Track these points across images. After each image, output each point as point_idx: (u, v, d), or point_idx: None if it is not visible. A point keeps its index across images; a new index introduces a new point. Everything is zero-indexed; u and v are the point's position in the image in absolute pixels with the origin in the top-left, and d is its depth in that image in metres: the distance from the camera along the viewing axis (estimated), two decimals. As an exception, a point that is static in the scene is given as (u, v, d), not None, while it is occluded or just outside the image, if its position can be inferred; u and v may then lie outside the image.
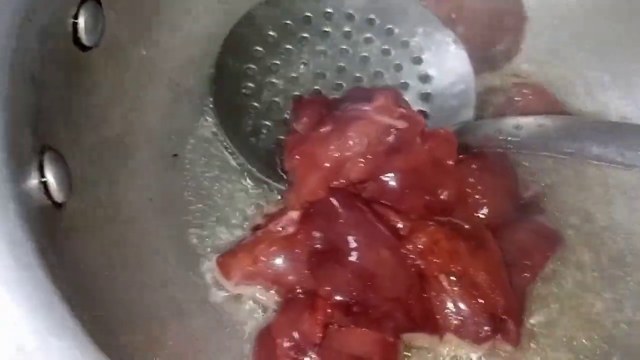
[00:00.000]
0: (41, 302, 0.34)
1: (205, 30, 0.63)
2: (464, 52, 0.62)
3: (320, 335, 0.47)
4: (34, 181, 0.40)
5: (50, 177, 0.41)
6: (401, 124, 0.52)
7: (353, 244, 0.51)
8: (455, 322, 0.51)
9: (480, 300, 0.50)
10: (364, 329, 0.49)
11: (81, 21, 0.47)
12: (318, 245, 0.51)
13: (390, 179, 0.53)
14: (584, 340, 0.53)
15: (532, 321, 0.54)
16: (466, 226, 0.53)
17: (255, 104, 0.60)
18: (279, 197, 0.57)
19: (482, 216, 0.54)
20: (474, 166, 0.55)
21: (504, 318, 0.51)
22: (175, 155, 0.58)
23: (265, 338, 0.50)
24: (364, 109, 0.53)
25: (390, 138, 0.52)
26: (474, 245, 0.51)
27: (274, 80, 0.61)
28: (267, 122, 0.59)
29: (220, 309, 0.53)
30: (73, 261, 0.42)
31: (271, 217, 0.54)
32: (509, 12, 0.65)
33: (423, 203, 0.54)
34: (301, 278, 0.51)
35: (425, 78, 0.62)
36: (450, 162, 0.54)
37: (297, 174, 0.53)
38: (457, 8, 0.64)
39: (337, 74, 0.62)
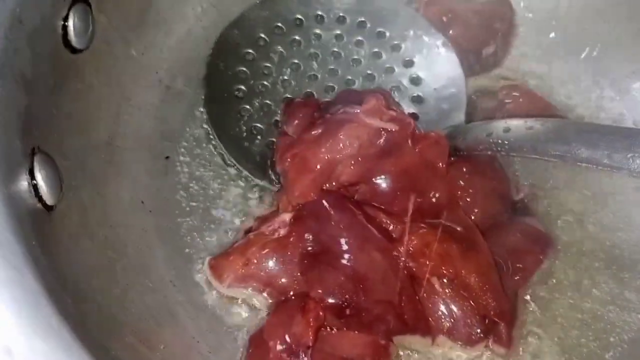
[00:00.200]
0: (28, 304, 0.33)
1: (197, 33, 0.63)
2: (455, 55, 0.63)
3: (312, 337, 0.47)
4: (24, 183, 0.40)
5: (40, 180, 0.41)
6: (391, 127, 0.52)
7: (345, 247, 0.51)
8: (447, 324, 0.51)
9: (472, 303, 0.50)
10: (355, 332, 0.49)
11: (71, 24, 0.47)
12: (310, 248, 0.51)
13: (381, 182, 0.53)
14: (576, 342, 0.53)
15: (524, 323, 0.54)
16: (457, 228, 0.53)
17: (247, 106, 0.60)
18: (271, 200, 0.57)
19: (474, 218, 0.54)
20: (464, 169, 0.55)
21: (496, 320, 0.51)
22: (167, 157, 0.58)
23: (258, 340, 0.50)
24: (354, 112, 0.53)
25: (381, 141, 0.53)
26: (465, 248, 0.51)
27: (265, 82, 0.61)
28: (258, 125, 0.59)
29: (213, 311, 0.53)
30: (64, 263, 0.41)
31: (263, 220, 0.54)
32: (499, 15, 0.65)
33: (414, 205, 0.53)
34: (293, 280, 0.51)
35: (416, 81, 0.62)
36: (442, 165, 0.54)
37: (289, 176, 0.53)
38: (448, 11, 0.65)
39: (329, 77, 0.62)
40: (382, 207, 0.53)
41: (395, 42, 0.63)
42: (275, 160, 0.56)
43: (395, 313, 0.49)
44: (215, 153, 0.59)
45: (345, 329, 0.49)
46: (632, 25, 0.63)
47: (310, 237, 0.51)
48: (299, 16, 0.64)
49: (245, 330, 0.52)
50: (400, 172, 0.53)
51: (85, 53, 0.49)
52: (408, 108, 0.61)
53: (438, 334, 0.51)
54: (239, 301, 0.53)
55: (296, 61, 0.62)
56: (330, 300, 0.49)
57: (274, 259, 0.51)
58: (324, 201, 0.52)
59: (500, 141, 0.52)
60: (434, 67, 0.63)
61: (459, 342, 0.51)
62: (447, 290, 0.51)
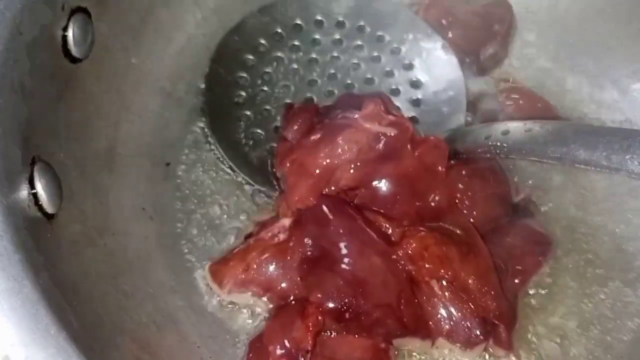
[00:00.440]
0: (27, 313, 0.34)
1: (197, 40, 0.64)
2: (454, 58, 0.63)
3: (312, 342, 0.47)
4: (23, 192, 0.40)
5: (40, 189, 0.42)
6: (390, 131, 0.53)
7: (344, 251, 0.51)
8: (446, 326, 0.51)
9: (471, 305, 0.50)
10: (355, 336, 0.49)
11: (70, 33, 0.47)
12: (309, 252, 0.51)
13: (381, 186, 0.53)
14: (576, 343, 0.54)
15: (524, 324, 0.54)
16: (457, 231, 0.53)
17: (247, 112, 0.60)
18: (271, 205, 0.57)
19: (473, 221, 0.54)
20: (464, 172, 0.55)
21: (495, 323, 0.51)
22: (168, 164, 0.58)
23: (258, 345, 0.50)
24: (353, 116, 0.53)
25: (380, 145, 0.53)
26: (464, 251, 0.51)
27: (265, 88, 0.62)
28: (258, 131, 0.60)
29: (213, 316, 0.53)
30: (64, 271, 0.42)
31: (263, 225, 0.54)
32: (498, 17, 0.65)
33: (414, 209, 0.54)
34: (293, 285, 0.51)
35: (416, 84, 0.62)
36: (441, 169, 0.54)
37: (288, 181, 0.54)
38: (448, 14, 0.65)
39: (329, 81, 0.62)
40: (382, 211, 0.53)
41: (395, 46, 0.64)
42: (274, 165, 0.56)
43: (395, 316, 0.50)
44: (216, 159, 0.59)
45: (344, 333, 0.49)
46: (632, 25, 0.63)
47: (310, 241, 0.51)
48: (299, 22, 0.64)
49: (245, 334, 0.52)
50: (399, 176, 0.53)
51: (85, 62, 0.50)
52: (408, 111, 0.61)
53: (438, 336, 0.51)
54: (240, 306, 0.53)
55: (296, 66, 0.63)
56: (330, 305, 0.49)
57: (274, 264, 0.52)
58: (323, 206, 0.52)
59: (499, 144, 0.52)
60: (434, 70, 0.63)
61: (459, 345, 0.51)
62: (446, 293, 0.51)
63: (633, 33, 0.63)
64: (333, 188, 0.53)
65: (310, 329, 0.48)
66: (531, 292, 0.55)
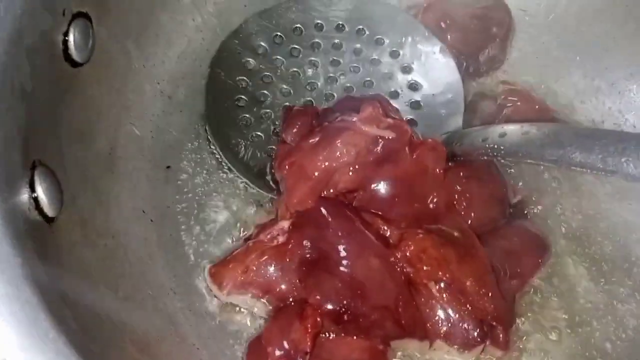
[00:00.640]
0: (26, 318, 0.35)
1: (197, 43, 0.64)
2: (453, 61, 0.63)
3: (310, 343, 0.48)
4: (24, 196, 0.41)
5: (40, 193, 0.42)
6: (388, 134, 0.53)
7: (342, 253, 0.51)
8: (444, 328, 0.51)
9: (469, 307, 0.51)
10: (353, 337, 0.50)
11: (71, 38, 0.48)
12: (308, 255, 0.52)
13: (379, 188, 0.54)
14: (574, 344, 0.54)
15: (521, 326, 0.54)
16: (454, 234, 0.53)
17: (247, 115, 0.61)
18: (270, 208, 0.58)
19: (471, 223, 0.55)
20: (462, 174, 0.56)
21: (493, 324, 0.51)
22: (168, 167, 0.59)
23: (257, 346, 0.51)
24: (352, 119, 0.53)
25: (379, 148, 0.53)
26: (462, 253, 0.52)
27: (265, 91, 0.62)
28: (258, 133, 0.60)
29: (212, 318, 0.54)
30: (64, 274, 0.42)
31: (262, 228, 0.55)
32: (497, 20, 0.65)
33: (412, 211, 0.54)
34: (292, 287, 0.52)
35: (414, 87, 0.63)
36: (439, 171, 0.54)
37: (287, 184, 0.54)
38: (446, 17, 0.65)
39: (328, 84, 0.63)
40: (380, 213, 0.54)
41: (394, 49, 0.64)
42: (274, 168, 0.57)
43: (393, 318, 0.50)
44: (216, 162, 0.60)
45: (343, 334, 0.50)
46: (629, 27, 0.63)
47: (309, 244, 0.52)
48: (299, 25, 0.65)
49: (244, 336, 0.53)
50: (397, 179, 0.54)
51: (86, 66, 0.50)
52: (406, 114, 0.61)
53: (435, 338, 0.51)
54: (239, 308, 0.54)
55: (296, 69, 0.63)
56: (328, 307, 0.50)
57: (273, 266, 0.52)
58: (322, 208, 0.53)
59: (496, 146, 0.52)
60: (432, 73, 0.63)
61: (456, 346, 0.51)
62: (444, 295, 0.51)
63: (630, 35, 0.63)
64: (332, 191, 0.54)
65: (309, 330, 0.48)
66: (528, 293, 0.55)
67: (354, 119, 0.53)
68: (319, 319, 0.49)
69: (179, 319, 0.52)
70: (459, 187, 0.55)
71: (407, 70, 0.63)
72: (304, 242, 0.52)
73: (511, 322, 0.53)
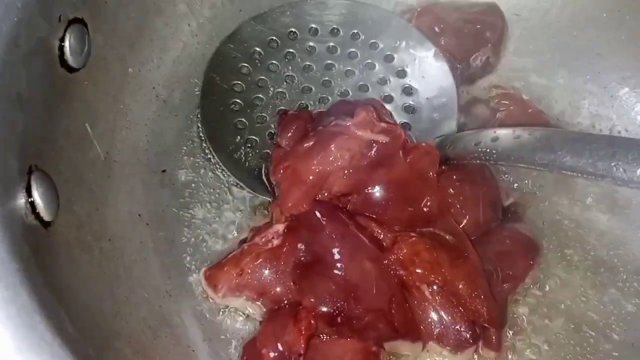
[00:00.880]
0: (23, 322, 0.35)
1: (192, 48, 0.64)
2: (446, 65, 0.64)
3: (304, 345, 0.48)
4: (21, 201, 0.41)
5: (37, 197, 0.43)
6: (382, 139, 0.53)
7: (337, 256, 0.52)
8: (437, 330, 0.52)
9: (461, 309, 0.51)
10: (347, 339, 0.50)
11: (67, 44, 0.48)
12: (302, 258, 0.52)
13: (373, 192, 0.55)
14: (565, 346, 0.55)
15: (513, 327, 0.55)
16: (447, 237, 0.54)
17: (242, 119, 0.61)
18: (265, 211, 0.58)
19: (464, 226, 0.55)
20: (455, 177, 0.56)
21: (485, 326, 0.52)
22: (164, 171, 0.59)
23: (252, 348, 0.51)
24: (346, 124, 0.54)
25: (372, 152, 0.54)
26: (454, 256, 0.52)
27: (260, 95, 0.62)
28: (253, 137, 0.61)
29: (207, 320, 0.54)
30: (61, 278, 0.43)
31: (257, 231, 0.55)
32: (490, 24, 0.66)
33: (406, 215, 0.55)
34: (286, 289, 0.53)
35: (408, 91, 0.63)
36: (432, 175, 0.55)
37: (282, 187, 0.55)
38: (440, 21, 0.65)
39: (323, 88, 0.63)
40: (374, 216, 0.54)
41: (388, 53, 0.64)
42: (269, 171, 0.57)
43: (386, 320, 0.51)
44: (211, 165, 0.60)
45: (337, 336, 0.50)
46: (621, 31, 0.64)
47: (303, 247, 0.53)
48: (293, 29, 0.65)
49: (239, 338, 0.54)
50: (391, 183, 0.54)
51: (81, 72, 0.50)
52: (401, 118, 0.62)
53: (428, 340, 0.52)
54: (234, 310, 0.54)
55: (291, 74, 0.64)
56: (322, 309, 0.50)
57: (268, 268, 0.53)
58: (316, 212, 0.53)
59: (488, 150, 0.53)
60: (426, 77, 0.64)
61: (449, 347, 0.52)
62: (437, 298, 0.52)
63: (622, 39, 0.64)
64: (326, 194, 0.54)
65: (303, 332, 0.49)
66: (520, 295, 0.56)
67: (348, 123, 0.54)
68: (312, 321, 0.50)
69: (175, 321, 0.53)
70: (452, 191, 0.56)
71: (401, 74, 0.64)
72: (299, 245, 0.53)
73: (503, 323, 0.54)
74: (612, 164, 0.45)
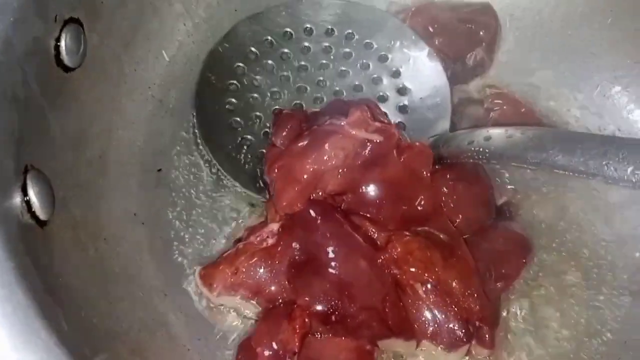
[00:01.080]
0: (19, 320, 0.35)
1: (188, 48, 0.65)
2: (440, 65, 0.64)
3: (298, 344, 0.49)
4: (16, 200, 0.41)
5: (33, 196, 0.43)
6: (376, 138, 0.54)
7: (331, 255, 0.52)
8: (431, 328, 0.52)
9: (455, 307, 0.52)
10: (341, 338, 0.50)
11: (63, 44, 0.48)
12: (297, 256, 0.53)
13: (367, 191, 0.55)
14: (557, 343, 0.55)
15: (506, 325, 0.55)
16: (441, 236, 0.54)
17: (238, 118, 0.62)
18: (260, 210, 0.59)
19: (457, 225, 0.55)
20: (448, 176, 0.57)
21: (479, 324, 0.52)
22: (159, 170, 0.60)
23: (247, 347, 0.51)
24: (340, 123, 0.54)
25: (366, 151, 0.54)
26: (448, 255, 0.53)
27: (255, 95, 0.63)
28: (249, 137, 0.61)
29: (203, 320, 0.55)
30: (56, 277, 0.43)
31: (252, 230, 0.56)
32: (484, 24, 0.66)
33: (400, 214, 0.55)
34: (281, 288, 0.53)
35: (402, 91, 0.63)
36: (426, 174, 0.55)
37: (276, 187, 0.55)
38: (434, 21, 0.66)
39: (318, 88, 0.63)
40: (368, 215, 0.55)
41: (382, 53, 0.65)
42: (264, 170, 0.57)
43: (380, 319, 0.51)
44: (207, 165, 0.61)
45: (331, 335, 0.51)
46: (614, 31, 0.64)
47: (298, 246, 0.53)
48: (288, 29, 0.65)
49: (235, 337, 0.54)
50: (385, 182, 0.55)
51: (77, 71, 0.51)
52: (395, 117, 0.62)
53: (422, 338, 0.52)
54: (229, 309, 0.55)
55: (286, 73, 0.64)
56: (317, 307, 0.50)
57: (262, 267, 0.53)
58: (310, 211, 0.53)
59: (481, 149, 0.53)
60: (420, 77, 0.64)
61: (443, 346, 0.52)
62: (430, 296, 0.52)
63: (615, 39, 0.64)
64: (320, 193, 0.54)
65: (297, 331, 0.49)
66: (513, 293, 0.56)
67: (343, 122, 0.54)
68: (307, 320, 0.50)
69: (170, 320, 0.53)
70: (445, 190, 0.56)
71: (395, 74, 0.64)
72: (293, 244, 0.53)
73: (497, 322, 0.54)
74: (604, 162, 0.45)
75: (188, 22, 0.64)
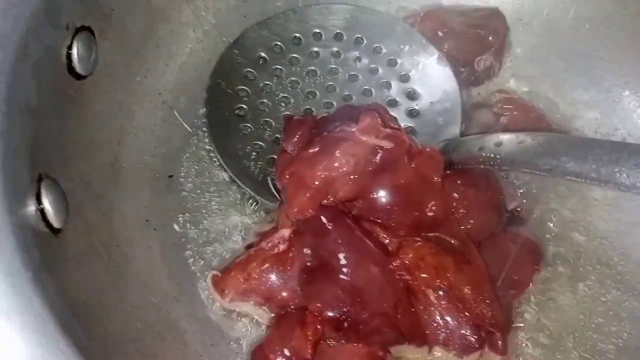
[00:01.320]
0: (37, 328, 0.36)
1: (198, 54, 0.65)
2: (449, 70, 0.64)
3: (311, 351, 0.49)
4: (31, 209, 0.42)
5: (47, 204, 0.43)
6: (387, 144, 0.54)
7: (342, 261, 0.52)
8: (442, 334, 0.52)
9: (467, 313, 0.52)
10: (353, 344, 0.50)
11: (75, 52, 0.49)
12: (308, 262, 0.53)
13: (378, 197, 0.55)
14: (570, 350, 0.55)
15: (519, 331, 0.55)
16: (452, 241, 0.54)
17: (248, 124, 0.62)
18: (272, 216, 0.59)
19: (468, 231, 0.55)
20: (459, 182, 0.57)
21: (491, 330, 0.52)
22: (171, 176, 0.60)
23: (259, 354, 0.51)
24: (350, 130, 0.54)
25: (377, 158, 0.54)
26: (459, 260, 0.53)
27: (265, 100, 0.63)
28: (259, 142, 0.61)
29: (216, 326, 0.55)
30: (71, 284, 0.43)
31: (263, 236, 0.56)
32: (493, 29, 0.66)
33: (411, 220, 0.55)
34: (293, 294, 0.53)
35: (412, 95, 0.63)
36: (437, 179, 0.55)
37: (288, 193, 0.55)
38: (443, 26, 0.66)
39: (327, 93, 0.64)
40: (379, 221, 0.55)
41: (392, 57, 0.65)
42: (275, 177, 0.58)
43: (392, 325, 0.51)
44: (217, 171, 0.61)
45: (343, 341, 0.51)
46: (624, 36, 0.64)
47: (309, 252, 0.53)
48: (297, 34, 0.65)
49: (247, 343, 0.54)
50: (396, 188, 0.55)
51: (89, 79, 0.51)
52: (405, 122, 0.62)
53: (434, 344, 0.52)
54: (241, 315, 0.55)
55: (295, 79, 0.64)
56: (329, 314, 0.51)
57: (274, 273, 0.53)
58: (322, 217, 0.54)
59: (492, 155, 0.53)
60: (430, 81, 0.64)
61: (455, 352, 0.52)
62: (442, 302, 0.52)
63: (624, 44, 0.64)
64: (331, 199, 0.54)
65: (310, 337, 0.49)
66: (524, 299, 0.56)
67: (353, 129, 0.54)
68: (319, 326, 0.50)
69: (183, 326, 0.53)
70: (456, 195, 0.56)
71: (404, 78, 0.64)
72: (305, 250, 0.53)
73: (509, 327, 0.54)
74: (616, 169, 0.45)
75: (198, 28, 0.65)
